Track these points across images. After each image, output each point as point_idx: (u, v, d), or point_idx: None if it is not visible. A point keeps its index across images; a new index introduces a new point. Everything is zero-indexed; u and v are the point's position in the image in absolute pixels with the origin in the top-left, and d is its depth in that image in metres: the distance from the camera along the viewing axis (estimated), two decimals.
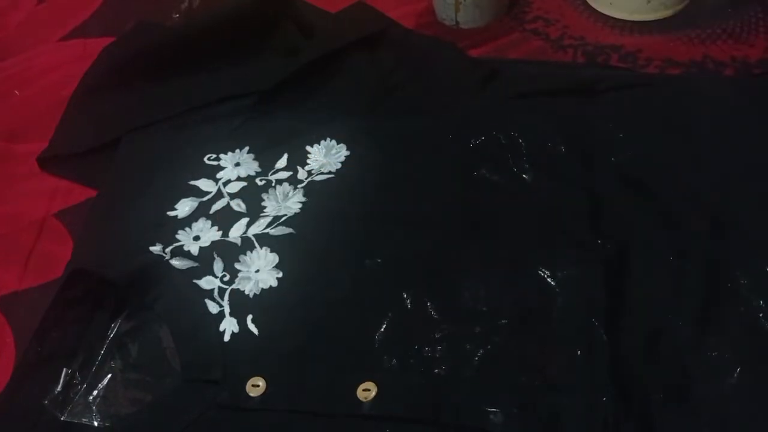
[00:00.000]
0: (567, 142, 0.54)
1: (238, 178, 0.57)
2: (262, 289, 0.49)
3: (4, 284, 0.54)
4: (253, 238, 0.52)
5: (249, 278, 0.50)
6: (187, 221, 0.54)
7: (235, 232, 0.53)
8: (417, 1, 0.72)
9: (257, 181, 0.56)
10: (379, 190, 0.54)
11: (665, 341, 0.40)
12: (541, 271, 0.48)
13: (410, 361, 0.44)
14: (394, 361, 0.44)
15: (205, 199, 0.55)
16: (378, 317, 0.46)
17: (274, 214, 0.54)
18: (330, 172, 0.56)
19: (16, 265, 0.55)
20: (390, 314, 0.47)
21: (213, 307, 0.48)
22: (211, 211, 0.54)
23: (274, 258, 0.51)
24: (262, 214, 0.54)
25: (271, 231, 0.52)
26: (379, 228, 0.52)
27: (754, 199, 0.50)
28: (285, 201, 0.54)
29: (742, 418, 0.40)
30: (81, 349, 0.47)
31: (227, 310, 0.48)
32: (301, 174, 0.56)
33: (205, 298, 0.49)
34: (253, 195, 0.55)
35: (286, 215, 0.53)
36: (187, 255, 0.51)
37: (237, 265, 0.51)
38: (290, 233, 0.52)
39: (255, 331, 0.47)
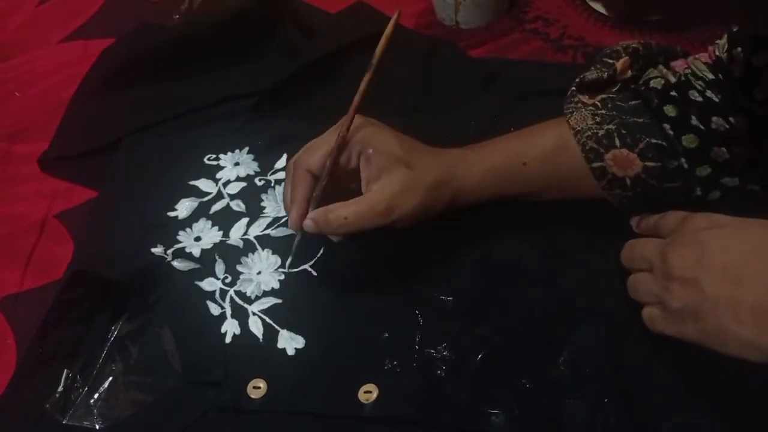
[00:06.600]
0: None
1: (238, 178, 0.57)
2: (264, 291, 0.49)
3: (5, 285, 0.54)
4: (255, 240, 0.52)
5: (251, 280, 0.50)
6: (188, 222, 0.54)
7: (236, 233, 0.53)
8: (417, 1, 0.72)
9: (256, 181, 0.56)
10: None
11: (666, 342, 0.40)
12: (543, 272, 0.48)
13: (411, 362, 0.44)
14: (395, 362, 0.44)
15: (205, 199, 0.55)
16: (379, 319, 0.47)
17: (274, 215, 0.54)
18: None
19: (16, 266, 0.55)
20: (391, 316, 0.47)
21: (214, 309, 0.49)
22: (211, 212, 0.54)
23: (276, 260, 0.51)
24: (261, 215, 0.54)
25: (272, 232, 0.52)
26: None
27: None
28: None
29: (742, 418, 0.40)
30: (82, 350, 0.47)
31: (229, 311, 0.48)
32: None
33: (207, 299, 0.49)
34: (252, 195, 0.55)
35: (285, 216, 0.53)
36: (189, 257, 0.51)
37: (239, 267, 0.51)
38: (291, 234, 0.52)
39: (256, 332, 0.47)
